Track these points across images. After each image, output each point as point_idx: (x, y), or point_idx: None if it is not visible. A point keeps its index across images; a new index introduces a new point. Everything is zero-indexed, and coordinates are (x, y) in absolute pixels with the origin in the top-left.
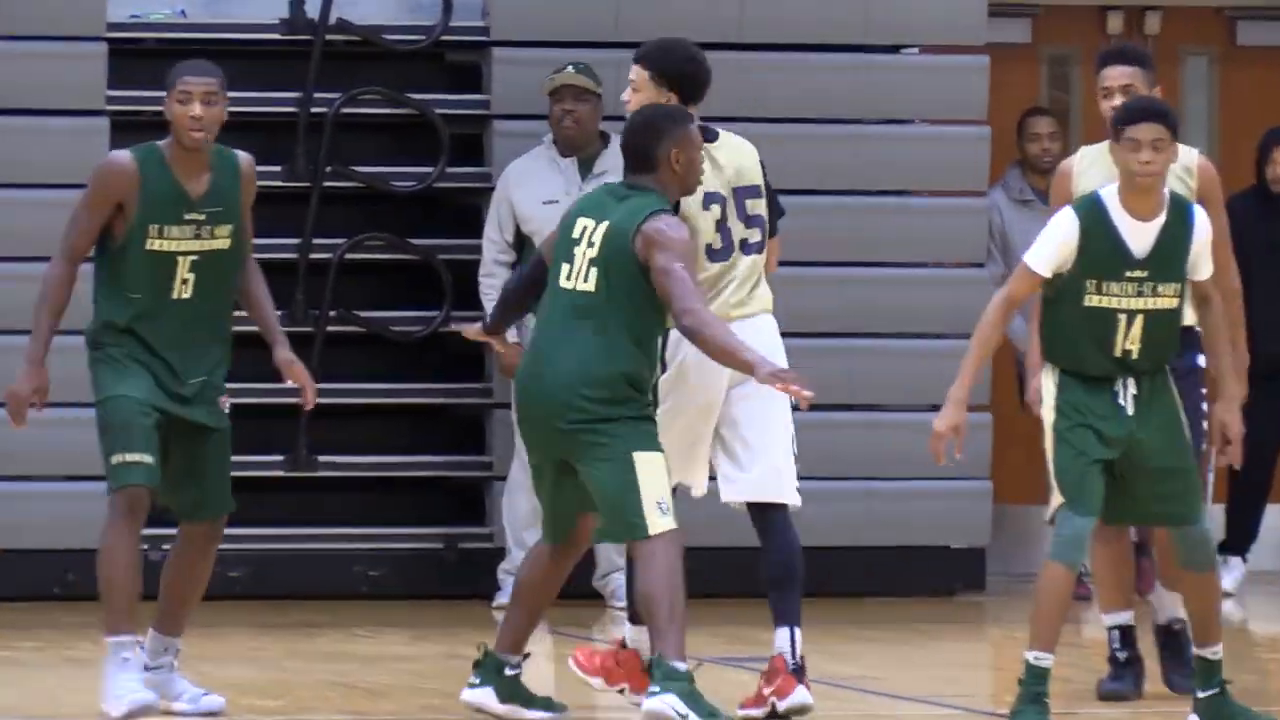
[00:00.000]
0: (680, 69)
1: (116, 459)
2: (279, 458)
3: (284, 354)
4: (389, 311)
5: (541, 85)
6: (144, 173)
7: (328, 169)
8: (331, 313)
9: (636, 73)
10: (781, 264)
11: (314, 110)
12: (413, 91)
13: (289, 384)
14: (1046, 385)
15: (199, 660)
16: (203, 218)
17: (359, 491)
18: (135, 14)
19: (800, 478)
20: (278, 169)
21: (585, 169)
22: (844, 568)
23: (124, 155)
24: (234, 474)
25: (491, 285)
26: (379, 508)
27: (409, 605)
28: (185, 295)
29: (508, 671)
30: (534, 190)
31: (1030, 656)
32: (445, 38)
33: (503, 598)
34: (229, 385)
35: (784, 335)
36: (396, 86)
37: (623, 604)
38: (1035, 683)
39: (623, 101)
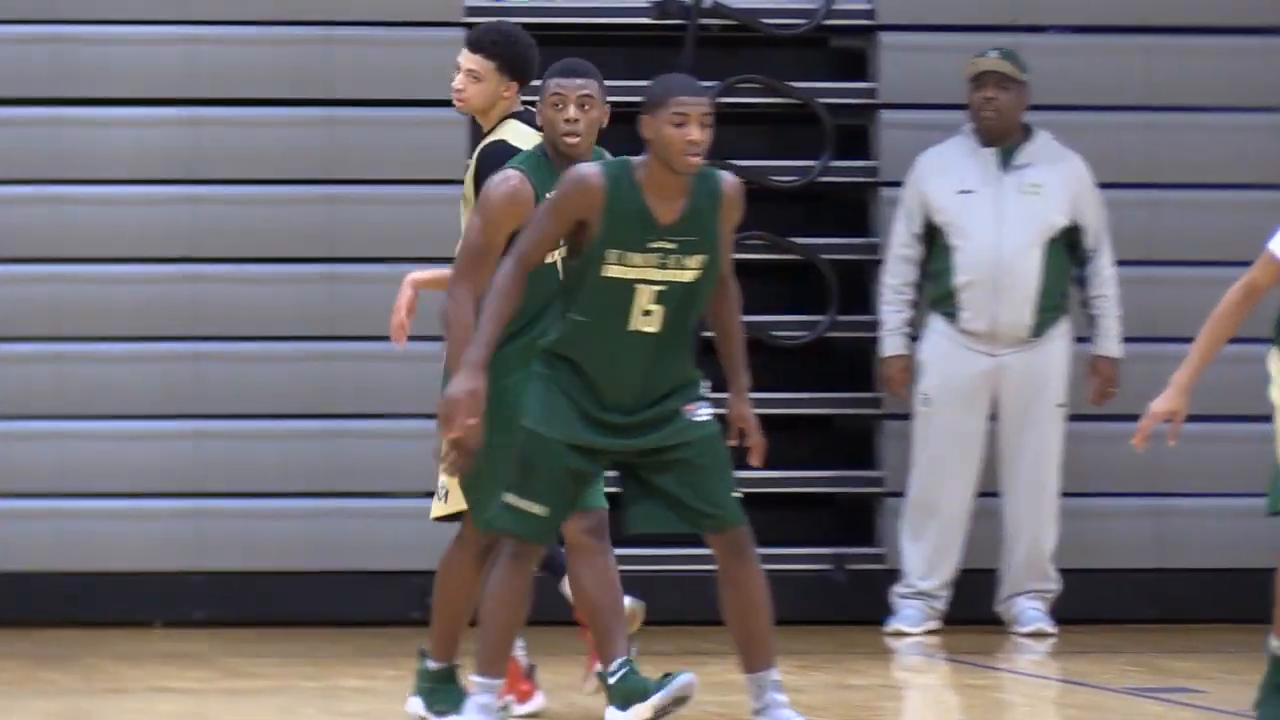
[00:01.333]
0: (525, 56)
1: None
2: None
3: (739, 409)
4: (770, 316)
5: (963, 70)
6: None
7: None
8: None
9: (478, 63)
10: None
11: None
12: (794, 80)
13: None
14: (1275, 368)
15: (568, 690)
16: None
17: (758, 509)
18: None
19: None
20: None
21: (1005, 160)
22: None
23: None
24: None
25: (892, 285)
26: (762, 526)
27: (795, 631)
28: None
29: None
30: (948, 179)
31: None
32: (828, 22)
33: (898, 622)
34: None
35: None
36: (776, 75)
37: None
38: (1276, 674)
39: (456, 90)
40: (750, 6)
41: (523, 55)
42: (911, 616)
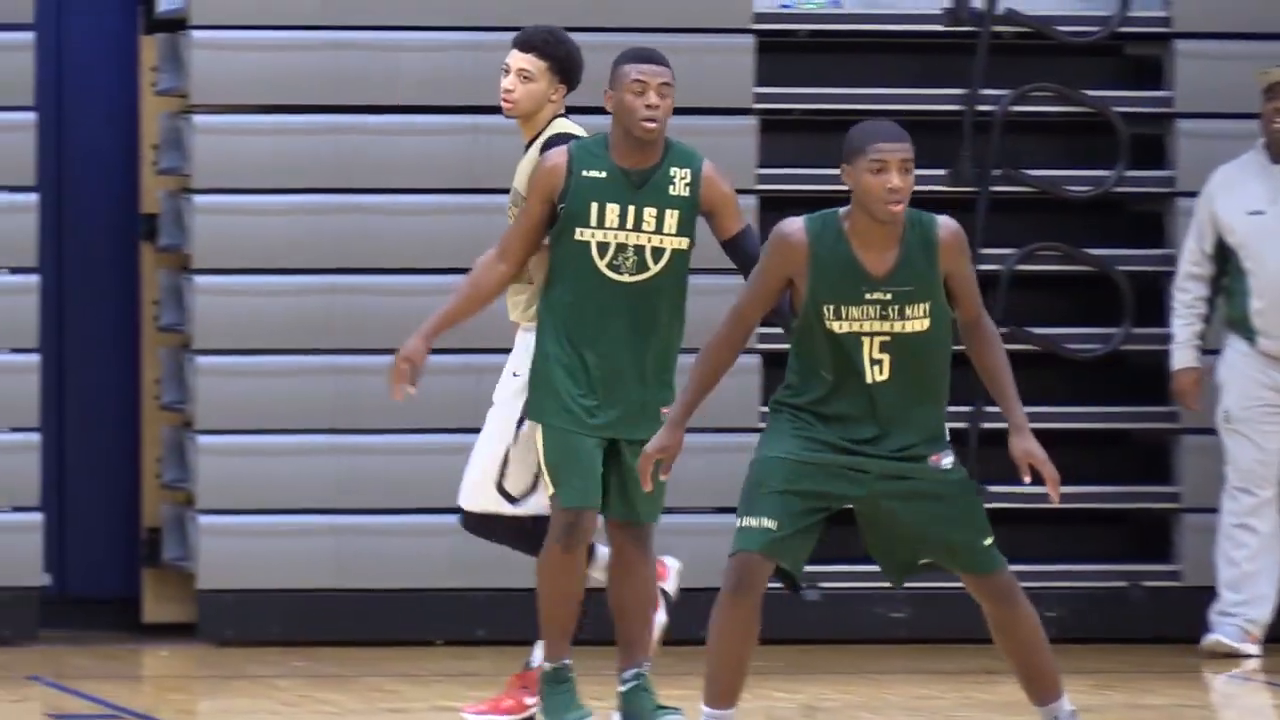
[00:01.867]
0: (576, 59)
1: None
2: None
3: (1021, 444)
4: (1064, 328)
5: (1255, 78)
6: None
7: (996, 173)
8: (1004, 330)
9: (531, 62)
10: None
11: (980, 109)
12: (1088, 88)
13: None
14: None
15: (859, 709)
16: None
17: (1033, 524)
18: (786, 4)
19: None
20: (940, 173)
21: None
22: None
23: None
24: None
25: (1183, 300)
26: (1056, 542)
27: (1091, 649)
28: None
29: None
30: (1237, 199)
31: None
32: (1123, 29)
33: (1218, 635)
34: None
35: None
36: (1070, 83)
37: None
38: None
39: (506, 91)
40: (1044, 13)
41: (575, 57)
42: (1231, 632)
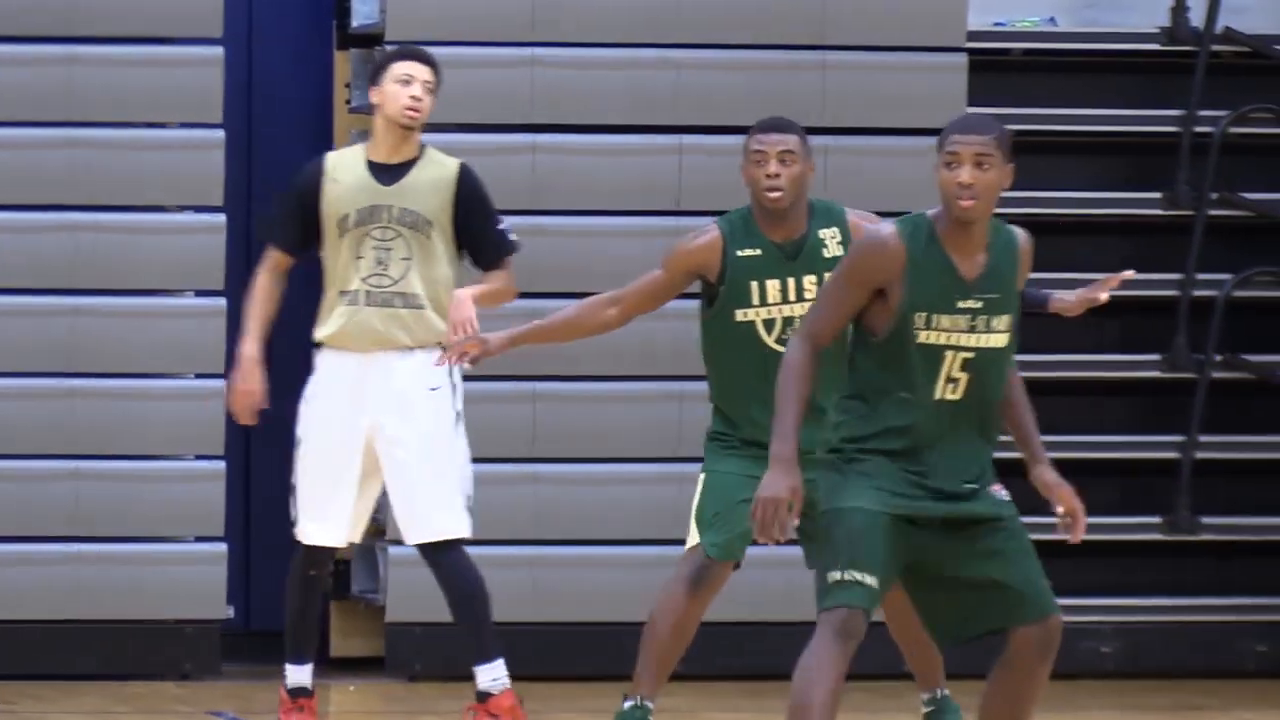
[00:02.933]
0: None
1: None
2: (1156, 519)
3: (1047, 474)
4: (1276, 355)
5: None
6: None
7: (1213, 196)
8: (1218, 357)
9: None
10: None
11: (1197, 130)
12: None
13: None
14: None
15: None
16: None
17: (1246, 556)
18: (1000, 22)
19: None
20: (1156, 196)
21: None
22: None
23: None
24: (1104, 537)
25: None
26: (1268, 575)
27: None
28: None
29: None
30: None
31: None
32: None
33: None
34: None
35: None
36: None
37: None
38: None
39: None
40: (1262, 33)
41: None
42: None
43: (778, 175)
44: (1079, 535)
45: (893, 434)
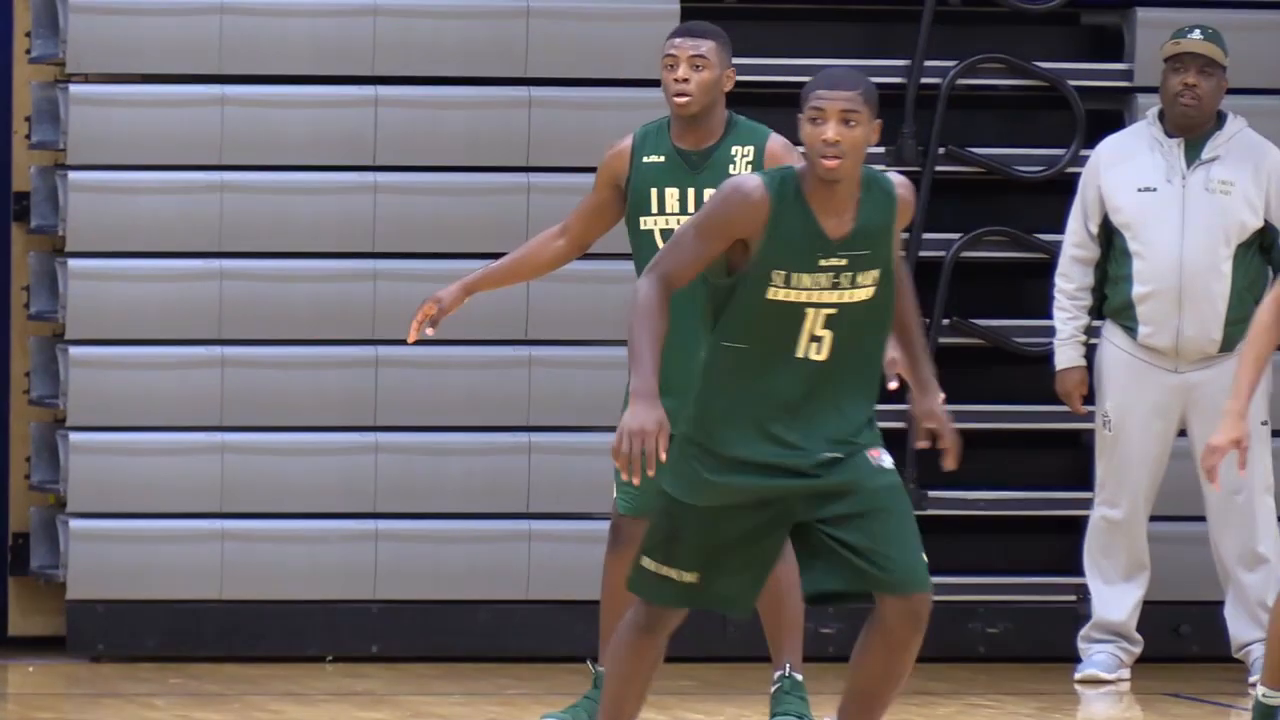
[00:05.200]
0: None
1: None
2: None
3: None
4: (1011, 320)
5: (1160, 49)
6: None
7: (940, 151)
8: (945, 321)
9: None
10: None
11: (924, 81)
12: (1041, 60)
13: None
14: None
15: None
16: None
17: (975, 533)
18: None
19: None
20: (880, 150)
21: (1193, 153)
22: None
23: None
24: None
25: (1066, 290)
26: (998, 552)
27: (1035, 669)
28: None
29: None
30: (1127, 173)
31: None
32: None
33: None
34: None
35: None
36: (1022, 54)
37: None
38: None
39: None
40: None
41: None
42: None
43: (686, 80)
44: (953, 464)
45: (750, 398)
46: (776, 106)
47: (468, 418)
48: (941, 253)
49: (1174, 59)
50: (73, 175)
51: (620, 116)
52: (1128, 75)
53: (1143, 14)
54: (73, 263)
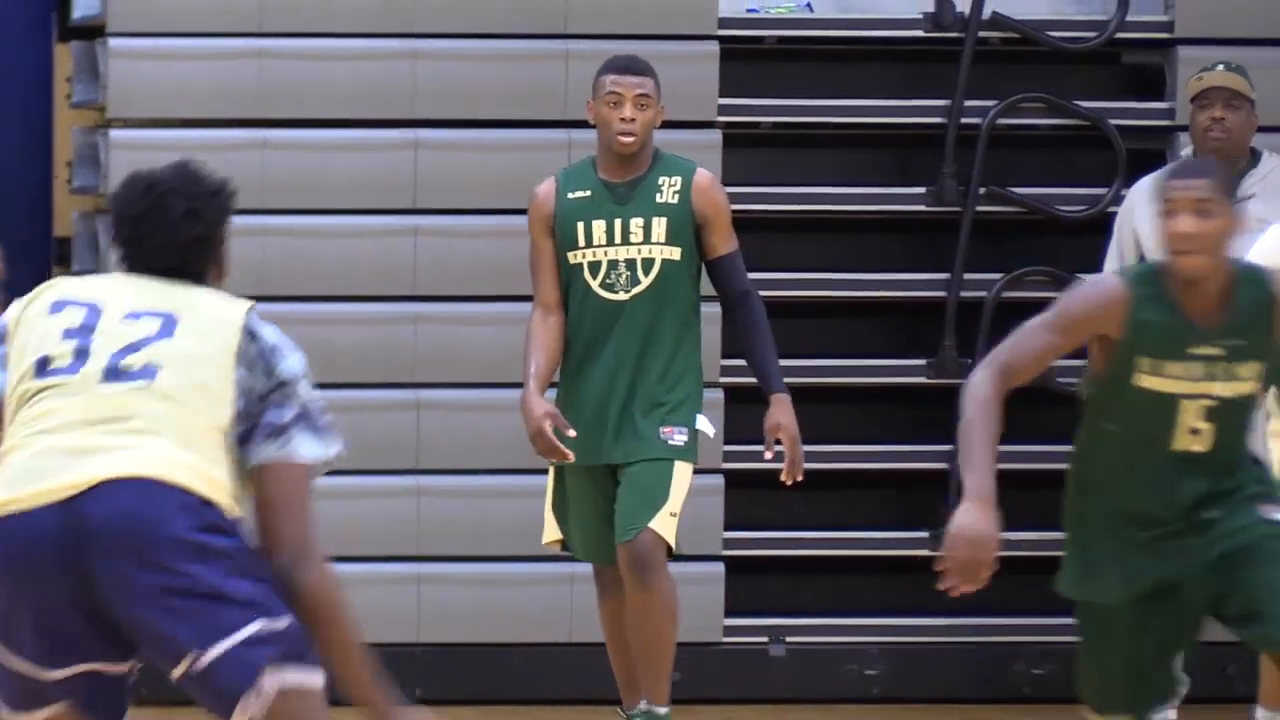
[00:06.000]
0: None
1: None
2: (924, 534)
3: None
4: (1055, 360)
5: (1186, 86)
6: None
7: (981, 191)
8: None
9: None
10: None
11: (965, 122)
12: (1082, 99)
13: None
14: None
15: None
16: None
17: (1022, 573)
18: (753, 8)
19: None
20: (920, 191)
21: None
22: None
23: None
24: (869, 552)
25: None
26: (1045, 593)
27: (1080, 711)
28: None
29: None
30: None
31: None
32: (1121, 35)
33: None
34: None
35: None
36: (1063, 93)
37: None
38: None
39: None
40: (1033, 18)
41: None
42: None
43: (633, 120)
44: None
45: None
46: (815, 147)
47: (511, 460)
48: (983, 293)
49: (1200, 95)
50: None
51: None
52: (1169, 114)
53: (1184, 52)
54: None
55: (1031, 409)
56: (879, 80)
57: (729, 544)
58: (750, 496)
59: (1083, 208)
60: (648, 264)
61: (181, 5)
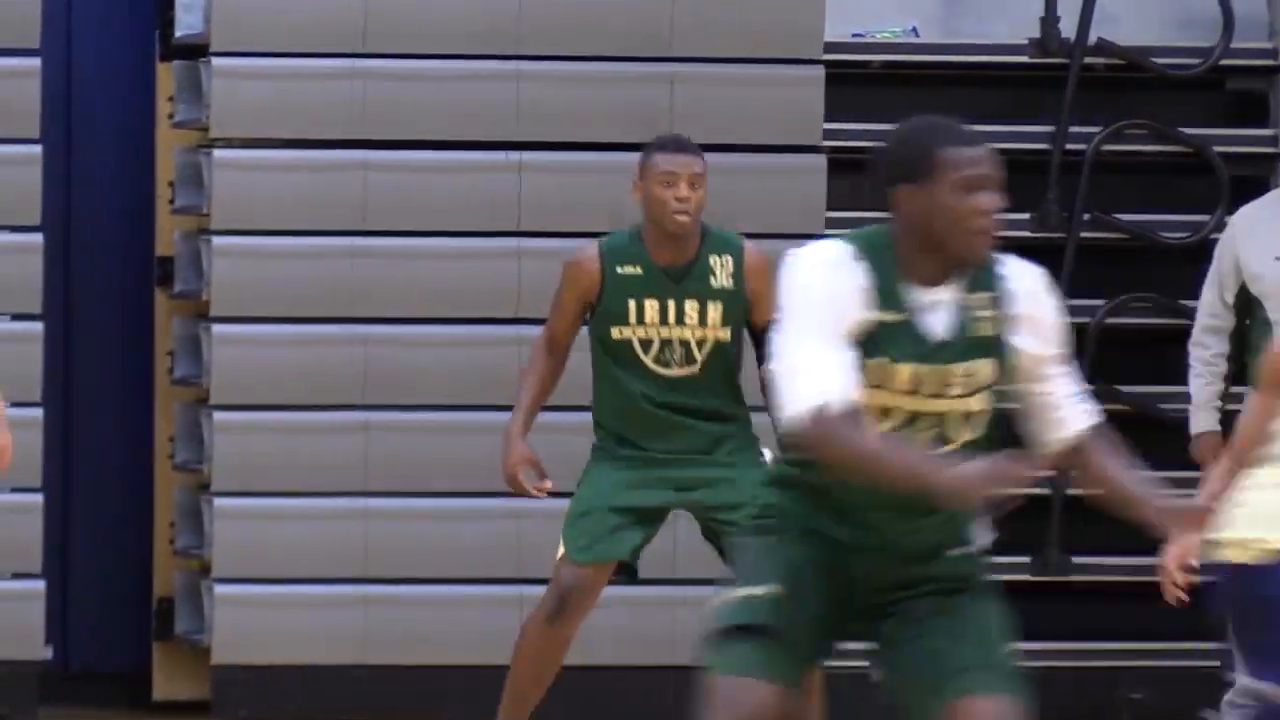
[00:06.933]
0: None
1: None
2: (1025, 559)
3: None
4: (1158, 386)
5: None
6: None
7: (1085, 217)
8: (1092, 386)
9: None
10: None
11: (1069, 147)
12: (1186, 125)
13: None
14: None
15: None
16: None
17: (1118, 599)
18: (858, 32)
19: None
20: (1025, 217)
21: None
22: None
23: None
24: None
25: (1201, 357)
26: (1142, 617)
27: None
28: None
29: None
30: (1264, 243)
31: None
32: (1226, 61)
33: None
34: None
35: None
36: (1167, 119)
37: None
38: None
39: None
40: (1139, 44)
41: None
42: None
43: (687, 199)
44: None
45: None
46: None
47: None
48: (1087, 319)
49: None
50: (216, 240)
51: (759, 181)
52: (1273, 141)
53: None
54: (217, 328)
55: (1131, 435)
56: (984, 105)
57: None
58: None
59: (1185, 234)
60: (701, 344)
61: (284, 24)
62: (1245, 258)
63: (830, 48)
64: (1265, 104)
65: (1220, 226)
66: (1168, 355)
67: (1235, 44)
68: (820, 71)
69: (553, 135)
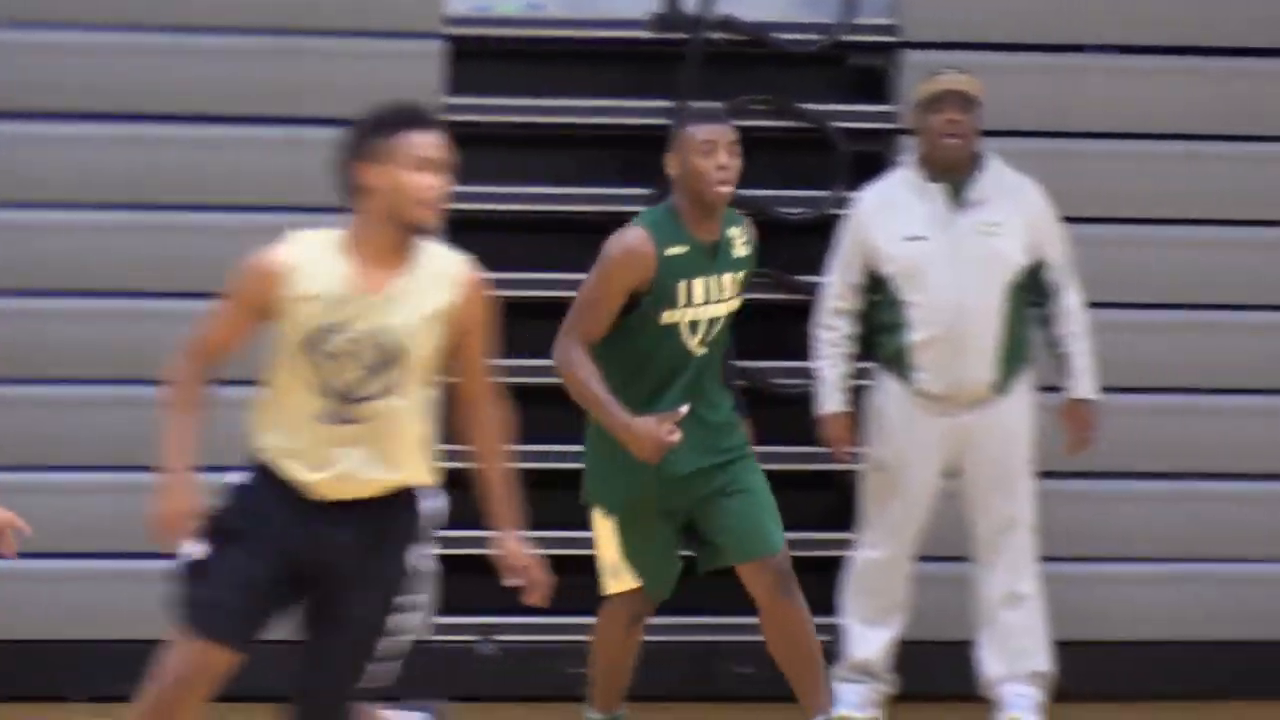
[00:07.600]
0: None
1: None
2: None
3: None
4: (772, 361)
5: (916, 90)
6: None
7: None
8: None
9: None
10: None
11: None
12: (807, 101)
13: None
14: None
15: None
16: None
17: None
18: (480, 6)
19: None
20: (645, 191)
21: (957, 197)
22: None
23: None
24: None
25: (829, 339)
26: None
27: (791, 709)
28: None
29: None
30: (895, 224)
31: None
32: (847, 38)
33: (843, 707)
34: None
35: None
36: (788, 95)
37: None
38: None
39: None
40: (762, 20)
41: None
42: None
43: (728, 168)
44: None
45: None
46: (543, 147)
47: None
48: None
49: (934, 99)
50: None
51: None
52: (892, 117)
53: (909, 56)
54: None
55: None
56: (606, 80)
57: (443, 543)
58: (462, 496)
59: (806, 210)
60: (723, 318)
61: None
62: (876, 240)
63: (451, 21)
64: (885, 80)
65: (840, 203)
66: (787, 331)
67: (857, 20)
68: (437, 45)
69: (184, 109)
